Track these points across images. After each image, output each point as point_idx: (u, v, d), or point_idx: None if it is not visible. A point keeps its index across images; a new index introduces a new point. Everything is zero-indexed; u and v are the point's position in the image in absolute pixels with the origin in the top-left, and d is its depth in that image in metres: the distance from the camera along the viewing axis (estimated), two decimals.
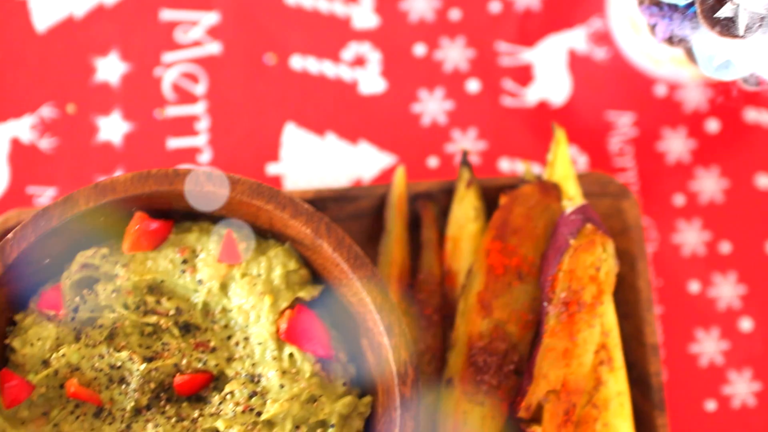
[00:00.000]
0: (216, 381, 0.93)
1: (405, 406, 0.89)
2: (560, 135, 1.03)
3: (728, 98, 1.11)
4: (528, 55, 1.13)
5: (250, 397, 0.91)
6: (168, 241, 0.94)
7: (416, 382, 0.89)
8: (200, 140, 1.11)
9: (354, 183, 1.10)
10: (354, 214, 1.05)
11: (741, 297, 1.10)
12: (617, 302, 1.04)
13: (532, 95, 1.13)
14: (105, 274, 0.93)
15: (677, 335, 1.09)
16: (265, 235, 0.95)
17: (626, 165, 1.12)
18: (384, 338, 0.90)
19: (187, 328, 0.94)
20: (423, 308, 1.01)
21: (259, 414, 0.90)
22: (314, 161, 1.11)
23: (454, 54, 1.13)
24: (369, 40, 1.13)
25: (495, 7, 1.13)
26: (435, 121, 1.12)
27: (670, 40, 0.97)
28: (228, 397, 0.91)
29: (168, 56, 1.12)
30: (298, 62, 1.12)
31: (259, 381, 0.92)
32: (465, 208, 1.02)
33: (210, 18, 1.12)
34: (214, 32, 1.12)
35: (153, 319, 0.93)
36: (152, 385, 0.92)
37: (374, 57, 1.13)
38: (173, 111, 1.11)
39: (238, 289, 0.92)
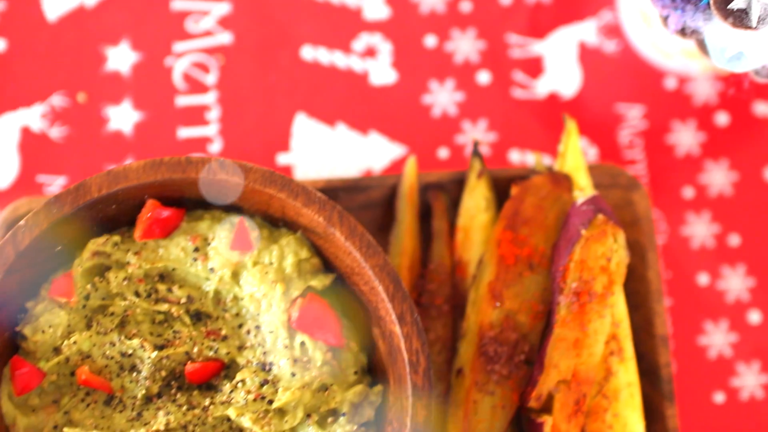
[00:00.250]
0: (227, 369, 0.93)
1: (417, 394, 0.89)
2: (571, 126, 1.04)
3: (740, 90, 1.11)
4: (538, 47, 1.13)
5: (262, 385, 0.91)
6: (180, 229, 0.94)
7: (428, 371, 0.89)
8: (211, 130, 1.11)
9: (364, 173, 1.11)
10: (365, 204, 1.05)
11: (750, 290, 1.10)
12: (627, 293, 1.04)
13: (542, 87, 1.13)
14: (116, 261, 0.93)
15: (686, 327, 1.09)
16: (277, 223, 0.95)
17: (636, 157, 1.12)
18: (396, 327, 0.90)
19: (198, 317, 0.94)
20: (433, 298, 1.01)
21: (270, 402, 0.91)
22: (325, 151, 1.11)
23: (465, 45, 1.13)
24: (380, 31, 1.13)
25: None
26: (445, 112, 1.12)
27: (683, 32, 0.98)
28: (239, 385, 0.91)
29: (179, 46, 1.12)
30: (309, 53, 1.12)
31: (270, 369, 0.92)
32: (476, 199, 1.03)
33: (221, 8, 1.12)
34: (225, 22, 1.12)
35: (164, 307, 0.93)
36: (163, 373, 0.92)
37: (385, 48, 1.13)
38: (184, 100, 1.12)
39: (250, 278, 0.92)
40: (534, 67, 1.13)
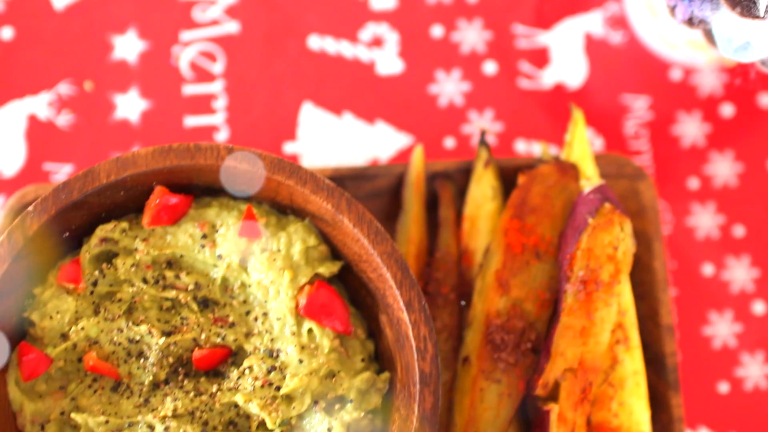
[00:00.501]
0: (234, 356, 0.93)
1: (424, 381, 0.89)
2: (578, 116, 1.04)
3: (746, 81, 1.11)
4: (545, 38, 1.14)
5: (269, 371, 0.91)
6: (188, 215, 0.94)
7: (436, 358, 0.89)
8: (218, 119, 1.11)
9: (371, 163, 1.11)
10: (371, 192, 1.05)
11: (754, 280, 1.11)
12: (633, 283, 1.04)
13: (548, 78, 1.13)
14: (124, 248, 0.93)
15: (691, 317, 1.10)
16: (285, 210, 0.95)
17: (641, 148, 1.12)
18: (404, 314, 0.90)
19: (205, 303, 0.94)
20: (440, 287, 1.01)
21: (278, 388, 0.91)
22: (331, 140, 1.11)
23: (472, 36, 1.13)
24: (387, 21, 1.13)
25: None
26: (452, 102, 1.12)
27: (690, 22, 0.98)
28: (246, 371, 0.91)
29: (186, 35, 1.12)
30: (316, 42, 1.12)
31: (277, 356, 0.92)
32: (483, 188, 1.03)
33: None
34: (232, 11, 1.12)
35: (172, 293, 0.93)
36: (170, 360, 0.92)
37: (392, 38, 1.13)
38: (191, 89, 1.12)
39: (258, 265, 0.92)
40: (540, 57, 1.13)
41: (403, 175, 1.05)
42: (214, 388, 0.92)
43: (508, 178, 1.05)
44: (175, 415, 0.90)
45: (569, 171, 1.01)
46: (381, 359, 0.95)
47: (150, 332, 0.91)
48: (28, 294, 0.93)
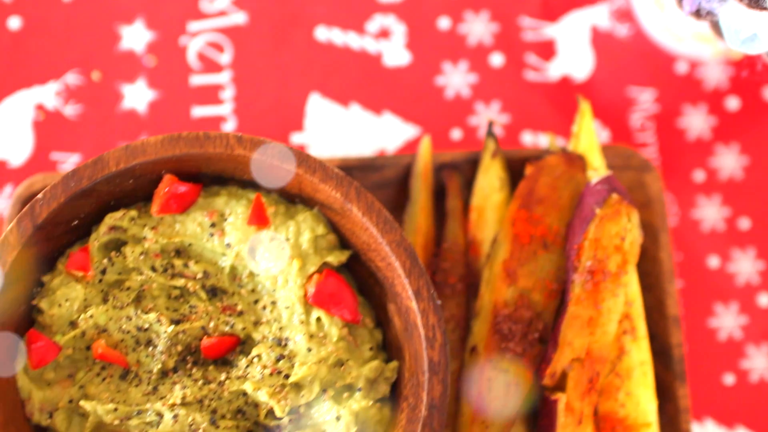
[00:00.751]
0: (243, 345, 0.93)
1: (433, 369, 0.89)
2: (585, 107, 1.04)
3: (753, 73, 1.11)
4: (551, 31, 1.14)
5: (278, 360, 0.91)
6: (196, 204, 0.94)
7: (444, 346, 0.89)
8: (225, 109, 1.11)
9: (378, 154, 1.11)
10: (379, 183, 1.05)
11: (760, 273, 1.11)
12: (640, 274, 1.04)
13: (554, 70, 1.13)
14: (133, 236, 0.93)
15: (697, 309, 1.10)
16: (294, 199, 0.95)
17: (647, 140, 1.13)
18: (412, 302, 0.90)
19: (214, 292, 0.94)
20: (447, 277, 1.01)
21: (286, 377, 0.91)
22: (338, 131, 1.11)
23: (478, 28, 1.14)
24: (394, 12, 1.13)
25: None
26: (459, 93, 1.12)
27: (697, 13, 0.98)
28: (255, 360, 0.91)
29: (193, 25, 1.12)
30: (323, 33, 1.13)
31: (286, 345, 0.92)
32: (490, 179, 1.03)
33: None
34: (239, 2, 1.13)
35: (180, 282, 0.93)
36: (179, 348, 0.92)
37: (399, 29, 1.13)
38: (198, 80, 1.12)
39: (266, 253, 0.93)
40: (547, 50, 1.14)
41: (410, 166, 1.05)
42: (223, 376, 0.92)
43: (515, 169, 1.05)
44: (184, 403, 0.90)
45: (576, 162, 1.02)
46: (389, 348, 0.96)
47: (159, 320, 0.91)
48: (37, 281, 0.93)
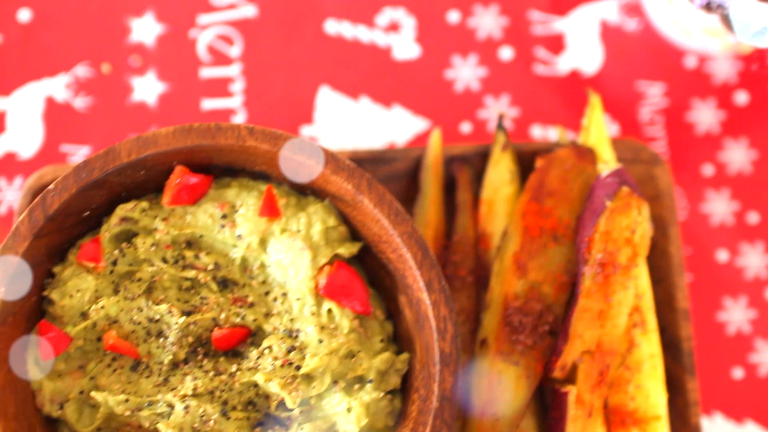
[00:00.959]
0: (253, 336, 0.93)
1: (444, 361, 0.89)
2: (595, 100, 1.04)
3: (762, 66, 1.12)
4: (560, 25, 1.14)
5: (289, 351, 0.91)
6: (207, 195, 0.94)
7: (456, 338, 0.89)
8: (235, 102, 1.12)
9: (388, 146, 1.11)
10: (389, 175, 1.05)
11: None
12: (649, 268, 1.04)
13: (564, 64, 1.13)
14: (144, 227, 0.93)
15: (706, 303, 1.10)
16: (305, 191, 0.95)
17: (656, 135, 1.13)
18: (423, 294, 0.90)
19: (225, 284, 0.94)
20: (457, 270, 1.01)
21: (298, 368, 0.91)
22: (348, 124, 1.11)
23: (488, 21, 1.14)
24: (403, 5, 1.13)
25: None
26: (468, 87, 1.13)
27: (708, 7, 0.98)
28: (266, 351, 0.91)
29: (203, 18, 1.13)
30: (333, 27, 1.13)
31: (297, 336, 0.92)
32: (500, 172, 1.03)
33: None
34: None
35: (191, 273, 0.93)
36: (190, 339, 0.92)
37: (409, 23, 1.13)
38: (208, 72, 1.12)
39: (277, 245, 0.93)
40: (556, 43, 1.14)
41: (420, 159, 1.05)
42: (234, 367, 0.92)
43: (525, 162, 1.05)
44: (195, 395, 0.90)
45: (587, 155, 1.02)
46: (400, 340, 0.96)
47: (170, 312, 0.91)
48: (48, 272, 0.93)
